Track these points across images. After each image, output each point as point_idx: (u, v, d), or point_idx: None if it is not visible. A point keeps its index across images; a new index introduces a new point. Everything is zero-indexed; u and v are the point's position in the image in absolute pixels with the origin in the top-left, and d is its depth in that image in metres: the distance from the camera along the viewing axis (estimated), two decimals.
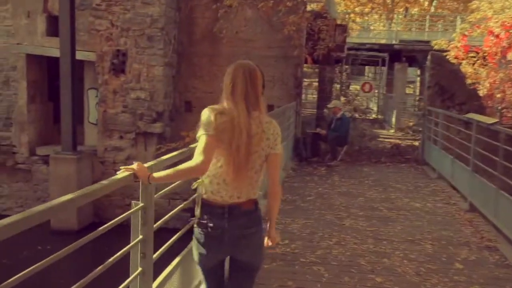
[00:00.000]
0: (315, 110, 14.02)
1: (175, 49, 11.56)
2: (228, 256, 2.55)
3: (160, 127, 11.13)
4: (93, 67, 11.27)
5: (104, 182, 2.31)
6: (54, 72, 11.28)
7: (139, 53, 10.92)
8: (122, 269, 2.58)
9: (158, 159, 2.78)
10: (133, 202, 2.66)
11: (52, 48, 11.03)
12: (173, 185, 3.03)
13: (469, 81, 11.07)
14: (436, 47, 14.81)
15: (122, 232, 2.92)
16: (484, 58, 12.07)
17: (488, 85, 11.65)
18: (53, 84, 11.78)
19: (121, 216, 2.45)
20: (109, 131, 11.19)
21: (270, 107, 8.56)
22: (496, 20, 12.01)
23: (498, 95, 11.47)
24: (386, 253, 5.01)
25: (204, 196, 2.43)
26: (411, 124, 15.13)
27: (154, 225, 2.70)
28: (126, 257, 2.49)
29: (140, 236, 2.56)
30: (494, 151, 6.21)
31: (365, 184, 8.51)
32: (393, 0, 29.53)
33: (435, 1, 30.39)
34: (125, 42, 10.93)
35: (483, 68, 12.09)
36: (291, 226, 5.83)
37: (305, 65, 12.52)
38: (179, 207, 3.26)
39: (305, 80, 14.76)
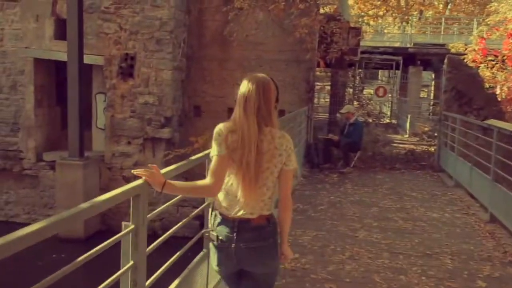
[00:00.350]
0: (327, 115, 13.72)
1: (184, 52, 11.35)
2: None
3: (169, 133, 10.90)
4: (102, 71, 11.09)
5: (113, 192, 2.11)
6: (62, 76, 11.12)
7: (148, 56, 10.72)
8: None
9: (169, 167, 2.69)
10: (123, 223, 2.41)
11: (60, 52, 10.87)
12: (166, 204, 2.77)
13: (487, 85, 10.69)
14: (452, 50, 14.44)
15: None
16: (503, 61, 11.68)
17: (506, 89, 11.25)
18: (61, 88, 11.62)
19: (110, 240, 2.19)
20: (117, 137, 10.99)
21: (281, 112, 8.30)
22: None
23: None
24: (402, 269, 4.69)
25: (217, 210, 2.45)
26: (426, 129, 14.74)
27: (148, 248, 2.44)
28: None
29: (131, 262, 2.30)
30: None
31: (379, 192, 8.18)
32: (408, 3, 29.11)
33: (450, 4, 29.91)
34: (134, 45, 10.74)
35: (501, 71, 11.69)
36: (301, 239, 5.54)
37: (317, 69, 12.22)
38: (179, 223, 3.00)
39: (317, 84, 14.46)
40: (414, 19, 26.06)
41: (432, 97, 24.25)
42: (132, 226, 2.31)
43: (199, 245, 3.49)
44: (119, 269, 2.25)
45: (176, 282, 2.97)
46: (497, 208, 6.37)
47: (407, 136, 17.10)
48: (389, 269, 4.68)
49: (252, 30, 10.80)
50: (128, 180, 10.98)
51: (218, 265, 2.46)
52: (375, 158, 11.24)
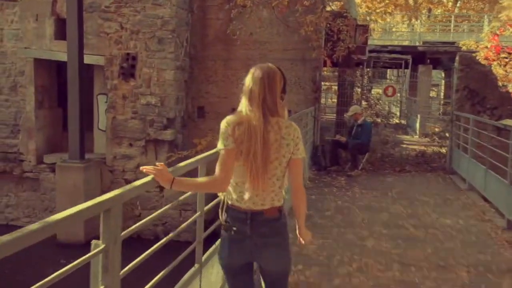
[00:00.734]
0: (334, 115, 13.37)
1: (187, 52, 11.05)
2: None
3: (171, 134, 10.61)
4: (103, 71, 10.82)
5: (78, 207, 1.86)
6: (64, 77, 10.85)
7: (150, 56, 10.43)
8: None
9: (177, 165, 2.71)
10: (93, 242, 2.10)
11: (60, 52, 10.62)
12: (143, 221, 2.46)
13: (500, 83, 10.28)
14: (464, 47, 14.01)
15: None
16: None
17: None
18: (63, 89, 11.36)
19: (76, 261, 1.89)
20: (118, 138, 10.71)
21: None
22: None
23: None
24: (415, 283, 4.36)
25: (229, 202, 2.42)
26: (436, 129, 14.33)
27: (122, 271, 2.14)
28: None
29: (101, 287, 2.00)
30: None
31: (388, 196, 7.84)
32: (416, 1, 28.64)
33: (459, 2, 29.40)
34: (135, 45, 10.45)
35: None
36: (306, 248, 5.19)
37: (324, 68, 11.87)
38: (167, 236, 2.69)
39: (324, 83, 14.11)
40: (423, 17, 25.60)
41: (442, 97, 23.79)
42: (102, 246, 2.00)
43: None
44: None
45: None
46: None
47: (417, 136, 16.69)
48: (400, 283, 4.34)
49: (256, 28, 10.47)
50: (130, 182, 10.71)
51: (229, 255, 2.43)
52: (384, 160, 10.88)
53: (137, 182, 2.35)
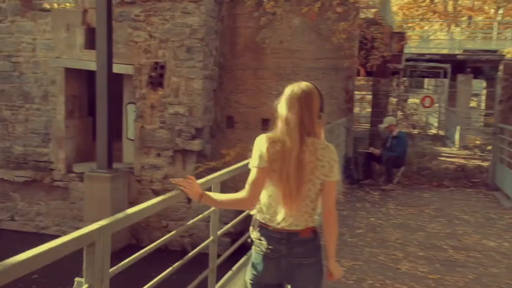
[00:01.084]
0: (368, 126, 12.90)
1: (216, 61, 10.85)
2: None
3: (199, 144, 10.39)
4: (132, 81, 10.74)
5: (57, 242, 1.63)
6: (94, 86, 10.83)
7: (178, 65, 10.27)
8: None
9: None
10: (76, 279, 1.82)
11: (90, 61, 10.59)
12: (133, 256, 2.17)
13: None
14: (508, 55, 13.31)
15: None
16: None
17: None
18: (94, 98, 11.34)
19: None
20: (146, 148, 10.58)
21: None
22: None
23: None
24: None
25: (262, 220, 2.37)
26: (477, 142, 13.64)
27: None
28: None
29: None
30: None
31: (425, 214, 7.35)
32: (455, 8, 27.75)
33: (501, 9, 28.34)
34: (164, 54, 10.32)
35: None
36: None
37: (357, 77, 11.44)
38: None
39: (357, 93, 13.66)
40: (463, 25, 24.75)
41: (483, 107, 22.85)
42: (86, 286, 1.72)
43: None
44: None
45: None
46: None
47: (456, 149, 15.97)
48: None
49: (287, 37, 10.18)
50: (157, 193, 10.53)
51: (263, 273, 2.37)
52: (421, 174, 10.35)
53: (133, 209, 2.07)
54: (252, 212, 2.46)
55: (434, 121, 20.80)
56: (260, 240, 2.37)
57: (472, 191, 9.12)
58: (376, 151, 9.42)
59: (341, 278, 4.57)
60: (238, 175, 3.25)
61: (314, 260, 2.37)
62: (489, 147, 10.34)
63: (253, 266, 2.42)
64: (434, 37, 24.61)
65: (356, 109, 17.44)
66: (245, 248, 3.93)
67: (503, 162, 8.80)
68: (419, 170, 10.53)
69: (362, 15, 10.28)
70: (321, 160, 2.29)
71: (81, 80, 11.50)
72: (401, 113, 13.21)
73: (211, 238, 2.95)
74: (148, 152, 10.58)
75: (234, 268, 3.81)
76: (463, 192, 9.02)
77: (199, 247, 2.87)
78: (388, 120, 9.47)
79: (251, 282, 2.46)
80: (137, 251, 2.21)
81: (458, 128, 16.41)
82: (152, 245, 2.34)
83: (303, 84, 2.36)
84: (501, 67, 9.13)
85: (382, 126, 9.56)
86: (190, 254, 2.74)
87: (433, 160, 11.70)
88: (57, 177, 11.16)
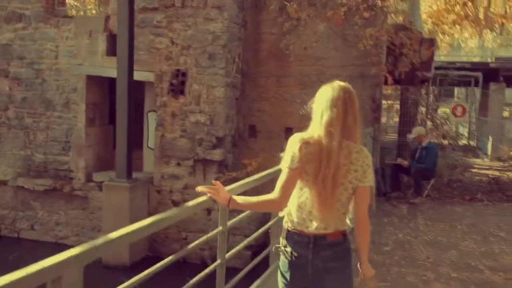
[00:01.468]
0: (396, 136, 12.42)
1: (239, 68, 10.58)
2: None
3: (220, 154, 10.11)
4: (153, 88, 10.56)
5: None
6: (115, 94, 10.71)
7: (200, 72, 10.05)
8: None
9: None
10: None
11: (111, 68, 10.45)
12: (135, 278, 1.87)
13: None
14: None
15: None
16: None
17: None
18: (114, 106, 11.22)
19: None
20: (166, 157, 10.35)
21: None
22: None
23: None
24: None
25: (290, 225, 2.33)
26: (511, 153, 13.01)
27: None
28: None
29: None
30: None
31: (457, 230, 6.90)
32: (487, 16, 26.94)
33: None
34: (185, 61, 10.11)
35: None
36: None
37: (384, 85, 11.01)
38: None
39: (385, 102, 13.20)
40: (495, 32, 23.98)
41: None
42: None
43: None
44: None
45: None
46: None
47: (488, 160, 15.32)
48: None
49: (312, 43, 9.85)
50: (177, 204, 10.27)
51: (291, 281, 2.32)
52: (452, 186, 9.85)
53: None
54: (281, 214, 2.47)
55: (464, 131, 20.11)
56: (285, 246, 2.32)
57: (508, 205, 8.60)
58: (405, 163, 9.00)
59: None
60: (260, 185, 3.16)
61: (343, 264, 2.30)
62: None
63: (282, 274, 2.37)
64: (464, 45, 23.91)
65: (384, 119, 16.94)
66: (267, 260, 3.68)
67: None
68: (450, 182, 10.04)
69: (390, 21, 9.86)
70: (355, 164, 2.22)
71: (102, 88, 11.39)
72: (431, 123, 12.68)
73: (218, 261, 2.64)
74: (168, 161, 10.36)
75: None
76: (498, 207, 8.50)
77: (203, 273, 2.56)
78: (417, 130, 9.05)
79: None
80: (154, 263, 2.13)
81: (491, 138, 15.76)
82: (163, 261, 2.16)
83: (344, 84, 2.29)
84: None
85: (410, 136, 9.15)
86: (192, 281, 2.42)
87: (464, 172, 11.16)
88: (77, 185, 11.03)
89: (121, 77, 9.62)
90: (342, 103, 2.21)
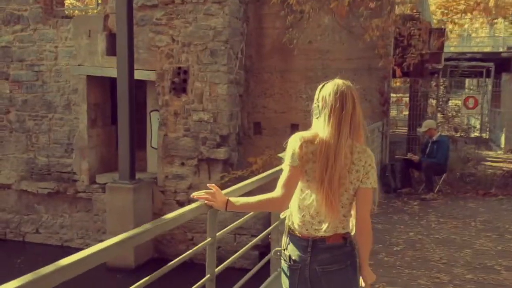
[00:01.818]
0: (406, 130, 12.08)
1: (242, 64, 10.32)
2: None
3: (225, 153, 9.87)
4: (155, 87, 10.34)
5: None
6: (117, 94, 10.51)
7: (202, 70, 9.80)
8: None
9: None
10: None
11: (112, 68, 10.24)
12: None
13: None
14: None
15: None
16: None
17: None
18: (116, 106, 11.02)
19: None
20: (170, 157, 10.14)
21: None
22: None
23: None
24: None
25: (291, 227, 2.29)
26: None
27: None
28: None
29: None
30: None
31: (471, 227, 6.59)
32: (498, 5, 26.40)
33: None
34: (187, 58, 9.87)
35: None
36: None
37: (393, 78, 10.68)
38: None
39: (393, 95, 12.86)
40: (507, 21, 23.43)
41: None
42: None
43: None
44: None
45: None
46: None
47: (502, 152, 14.91)
48: None
49: (317, 36, 9.56)
50: (182, 204, 10.04)
51: (291, 285, 2.27)
52: (465, 181, 9.50)
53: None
54: (282, 216, 2.44)
55: (476, 123, 19.65)
56: (285, 250, 2.28)
57: None
58: (415, 157, 8.69)
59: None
60: (265, 184, 3.04)
61: (343, 267, 2.20)
62: None
63: (283, 279, 2.32)
64: (475, 35, 23.39)
65: (393, 112, 16.58)
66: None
67: None
68: (462, 177, 9.70)
69: (397, 11, 9.52)
70: (357, 164, 2.16)
71: (103, 88, 11.20)
72: (442, 115, 12.32)
73: (207, 276, 2.38)
74: (172, 161, 10.14)
75: None
76: None
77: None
78: (428, 124, 8.73)
79: None
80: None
81: (504, 130, 15.35)
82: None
83: (347, 82, 2.21)
84: None
85: (421, 130, 8.83)
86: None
87: (477, 165, 10.79)
88: (81, 188, 10.86)
89: (122, 77, 9.41)
90: (351, 100, 2.14)
